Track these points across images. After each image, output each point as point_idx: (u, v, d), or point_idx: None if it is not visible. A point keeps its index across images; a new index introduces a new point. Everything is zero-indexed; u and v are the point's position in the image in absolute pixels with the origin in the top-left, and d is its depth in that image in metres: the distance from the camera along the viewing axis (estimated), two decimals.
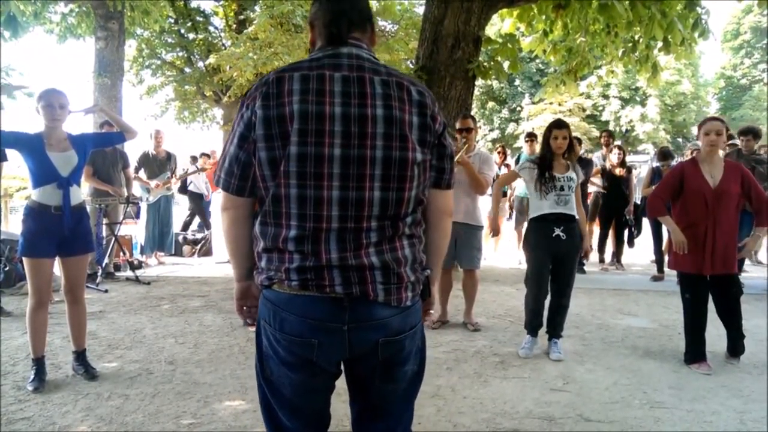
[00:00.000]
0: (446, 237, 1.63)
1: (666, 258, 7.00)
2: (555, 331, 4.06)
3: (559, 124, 4.06)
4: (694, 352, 3.83)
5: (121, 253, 7.24)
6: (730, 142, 6.28)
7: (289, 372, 1.48)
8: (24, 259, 3.36)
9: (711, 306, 3.86)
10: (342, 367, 1.57)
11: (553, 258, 3.97)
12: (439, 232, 1.60)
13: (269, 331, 1.48)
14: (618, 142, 8.21)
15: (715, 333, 4.03)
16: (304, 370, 1.47)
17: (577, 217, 3.96)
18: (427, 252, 1.59)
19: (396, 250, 1.43)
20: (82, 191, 4.09)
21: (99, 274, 6.38)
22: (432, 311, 1.76)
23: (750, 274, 6.85)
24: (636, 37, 7.40)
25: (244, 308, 1.67)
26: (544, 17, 7.66)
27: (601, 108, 34.26)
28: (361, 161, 1.37)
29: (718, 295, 3.84)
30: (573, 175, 3.95)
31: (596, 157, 8.15)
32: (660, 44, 7.05)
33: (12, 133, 3.36)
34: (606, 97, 33.97)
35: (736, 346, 3.90)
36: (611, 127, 29.55)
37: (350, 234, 1.39)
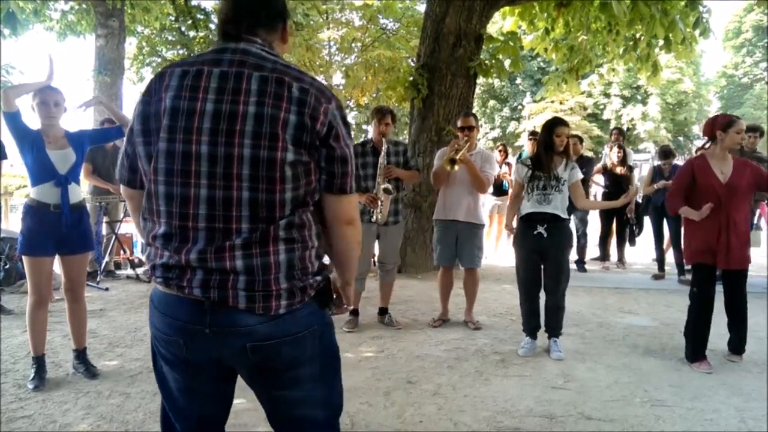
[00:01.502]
0: (347, 245, 1.53)
1: (666, 256, 7.07)
2: (553, 331, 4.06)
3: (563, 122, 4.07)
4: (697, 350, 3.82)
5: (122, 252, 7.24)
6: None
7: (170, 369, 1.48)
8: (23, 257, 3.36)
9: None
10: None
11: (540, 256, 3.98)
12: (338, 239, 1.51)
13: (152, 326, 1.48)
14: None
15: (715, 331, 4.01)
16: (182, 370, 1.47)
17: (563, 216, 3.95)
18: (333, 257, 1.55)
19: (268, 254, 1.34)
20: (82, 189, 4.07)
21: (99, 272, 6.38)
22: (346, 306, 1.65)
23: (750, 272, 6.83)
24: (637, 36, 7.39)
25: None
26: (545, 15, 7.66)
27: (602, 106, 34.23)
28: (228, 160, 1.31)
29: (730, 290, 3.83)
30: (561, 174, 3.93)
31: (605, 155, 8.16)
32: (661, 42, 7.05)
33: (23, 124, 3.33)
34: (607, 95, 33.94)
35: (740, 344, 3.89)
36: (612, 126, 29.48)
37: (218, 234, 1.33)
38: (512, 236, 4.19)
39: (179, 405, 1.54)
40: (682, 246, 3.93)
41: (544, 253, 3.97)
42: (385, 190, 4.36)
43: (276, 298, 1.35)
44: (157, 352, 1.52)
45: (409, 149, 4.91)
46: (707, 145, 3.87)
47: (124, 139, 1.48)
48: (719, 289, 3.85)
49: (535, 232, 3.92)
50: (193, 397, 1.52)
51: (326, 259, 1.55)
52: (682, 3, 6.71)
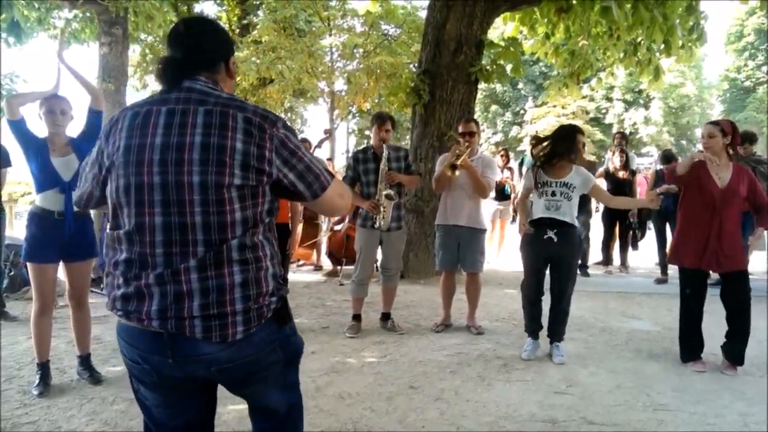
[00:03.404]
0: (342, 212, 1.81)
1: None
2: (555, 336, 4.06)
3: (581, 131, 4.11)
4: (692, 349, 3.88)
5: None
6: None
7: (148, 391, 1.57)
8: (28, 264, 3.38)
9: (710, 308, 3.87)
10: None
11: (548, 261, 3.98)
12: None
13: (121, 353, 1.57)
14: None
15: (719, 335, 4.01)
16: (160, 391, 1.56)
17: (571, 222, 3.93)
18: None
19: (223, 276, 1.41)
20: None
21: (103, 278, 6.39)
22: None
23: (751, 276, 6.81)
24: (638, 40, 7.40)
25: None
26: (545, 20, 7.68)
27: (604, 111, 34.27)
28: (179, 187, 1.40)
29: (731, 295, 3.79)
30: (572, 180, 3.92)
31: (607, 159, 8.17)
32: (662, 46, 7.06)
33: (28, 131, 3.35)
34: (609, 99, 33.99)
35: (739, 354, 3.78)
36: (614, 131, 29.53)
37: (176, 258, 1.41)
38: (520, 240, 4.16)
39: (162, 422, 1.63)
40: (668, 249, 3.97)
41: (553, 258, 3.96)
42: (387, 196, 4.37)
43: (232, 325, 1.42)
44: (132, 376, 1.60)
45: (410, 154, 4.92)
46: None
47: (89, 173, 1.60)
48: (714, 292, 3.88)
49: (546, 237, 3.91)
50: (174, 413, 1.61)
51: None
52: (681, 8, 6.72)
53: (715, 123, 3.86)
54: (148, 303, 1.41)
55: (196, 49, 1.56)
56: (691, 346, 3.90)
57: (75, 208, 3.40)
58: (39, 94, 3.41)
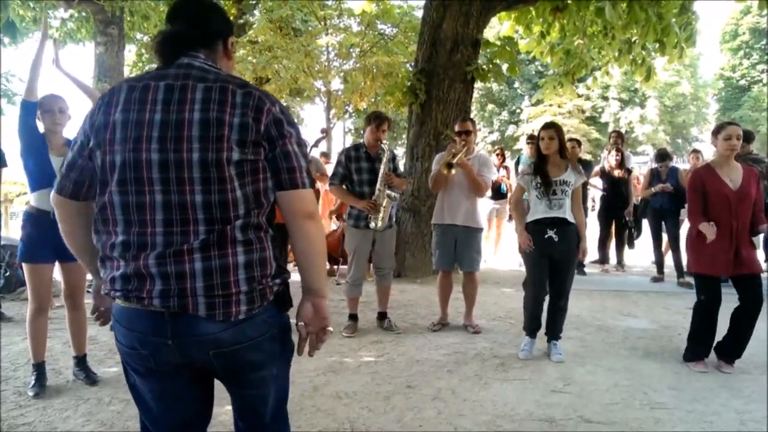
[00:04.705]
0: (309, 240, 1.50)
1: (665, 258, 7.08)
2: (553, 334, 4.06)
3: (545, 125, 4.10)
4: (698, 352, 3.84)
5: None
6: None
7: (142, 380, 1.53)
8: (24, 264, 3.36)
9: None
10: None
11: (549, 260, 3.98)
12: (298, 234, 1.49)
13: (117, 342, 1.53)
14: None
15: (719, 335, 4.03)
16: (154, 379, 1.51)
17: (571, 220, 3.96)
18: (297, 261, 1.54)
19: (226, 256, 1.39)
20: None
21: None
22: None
23: None
24: (632, 39, 7.43)
25: (100, 309, 1.76)
26: (541, 20, 7.69)
27: (600, 110, 34.34)
28: (179, 165, 1.37)
29: (748, 296, 3.73)
30: (568, 177, 3.95)
31: (603, 157, 8.19)
32: (656, 45, 7.09)
33: (35, 123, 3.33)
34: (605, 98, 34.06)
35: (738, 351, 3.80)
36: (610, 129, 29.60)
37: (176, 237, 1.38)
38: (520, 242, 4.12)
39: (157, 416, 1.57)
40: (688, 253, 3.90)
41: (554, 257, 3.95)
42: (389, 197, 4.36)
43: (236, 303, 1.40)
44: (127, 366, 1.55)
45: (407, 153, 4.92)
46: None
47: (71, 151, 1.52)
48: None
49: (546, 236, 3.92)
50: (170, 405, 1.56)
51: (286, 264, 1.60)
52: (676, 8, 6.74)
53: (737, 124, 3.84)
54: (150, 283, 1.38)
55: (195, 25, 1.53)
56: (698, 349, 3.86)
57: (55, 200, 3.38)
58: (39, 56, 3.37)
